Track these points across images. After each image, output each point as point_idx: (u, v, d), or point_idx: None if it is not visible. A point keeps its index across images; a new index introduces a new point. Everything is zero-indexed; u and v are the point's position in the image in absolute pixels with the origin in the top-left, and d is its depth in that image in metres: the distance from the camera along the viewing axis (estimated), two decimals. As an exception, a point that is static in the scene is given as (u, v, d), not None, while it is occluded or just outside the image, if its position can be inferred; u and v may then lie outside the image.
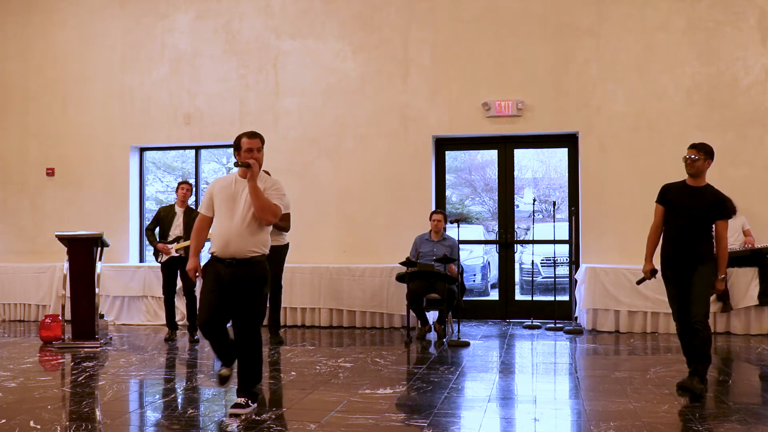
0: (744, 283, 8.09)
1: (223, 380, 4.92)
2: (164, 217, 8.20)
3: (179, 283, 8.30)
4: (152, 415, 4.78)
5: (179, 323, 8.76)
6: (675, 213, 5.26)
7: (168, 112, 10.02)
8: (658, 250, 5.42)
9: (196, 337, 8.17)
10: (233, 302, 4.68)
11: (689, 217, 5.19)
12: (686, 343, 5.29)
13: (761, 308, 8.09)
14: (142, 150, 10.42)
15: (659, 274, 5.44)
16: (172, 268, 8.15)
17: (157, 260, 8.27)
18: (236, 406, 4.68)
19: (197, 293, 8.43)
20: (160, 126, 10.04)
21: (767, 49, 8.69)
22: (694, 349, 5.16)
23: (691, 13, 8.83)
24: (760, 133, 8.67)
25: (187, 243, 8.04)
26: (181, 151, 11.77)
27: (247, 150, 4.71)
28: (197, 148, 10.31)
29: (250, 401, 4.74)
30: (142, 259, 10.26)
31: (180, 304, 8.88)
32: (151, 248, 8.50)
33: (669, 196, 5.34)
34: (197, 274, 4.79)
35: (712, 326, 8.09)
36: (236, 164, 4.73)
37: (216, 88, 9.89)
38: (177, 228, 8.14)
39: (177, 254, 8.07)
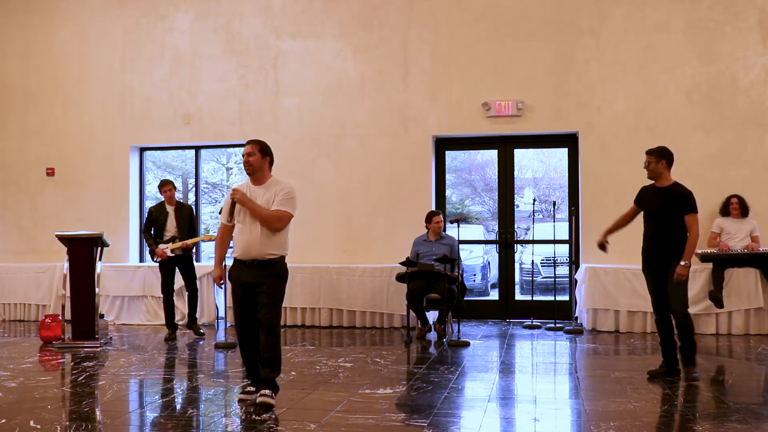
0: (745, 284, 8.08)
1: (261, 404, 4.84)
2: (157, 217, 8.23)
3: (179, 282, 8.32)
4: (152, 415, 4.78)
5: (179, 323, 8.77)
6: (647, 213, 5.74)
7: (168, 112, 10.01)
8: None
9: (201, 331, 8.20)
10: (256, 300, 4.90)
11: (658, 215, 5.64)
12: (663, 334, 5.70)
13: (761, 309, 8.08)
14: (142, 150, 10.42)
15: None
16: (170, 268, 8.18)
17: (153, 260, 8.28)
18: (264, 396, 4.81)
19: (198, 286, 8.51)
20: (160, 126, 10.04)
21: (767, 49, 8.68)
22: (681, 339, 5.58)
23: (691, 13, 8.82)
24: (760, 133, 8.66)
25: (181, 244, 8.07)
26: (181, 151, 11.77)
27: (242, 157, 5.01)
28: (197, 148, 10.31)
29: (273, 393, 4.87)
30: (142, 259, 10.26)
31: (179, 304, 8.89)
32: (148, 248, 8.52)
33: (643, 198, 5.82)
34: (222, 281, 5.08)
35: (713, 327, 8.17)
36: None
37: (216, 88, 9.89)
38: (171, 227, 8.18)
39: (172, 254, 8.09)
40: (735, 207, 8.33)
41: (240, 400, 4.96)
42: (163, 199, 8.32)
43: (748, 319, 8.13)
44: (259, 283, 4.87)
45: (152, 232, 8.25)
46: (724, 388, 5.55)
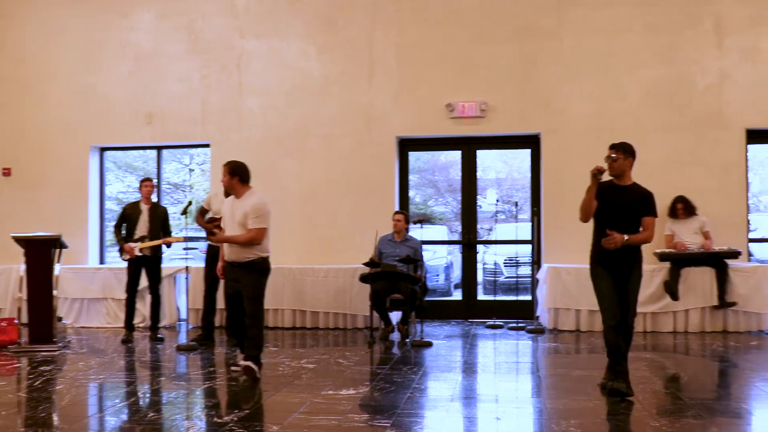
0: (701, 283, 8.28)
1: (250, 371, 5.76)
2: (130, 214, 8.13)
3: (143, 283, 8.21)
4: (112, 420, 4.70)
5: (140, 326, 8.67)
6: (607, 210, 5.25)
7: (129, 111, 9.86)
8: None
9: (159, 336, 8.09)
10: (241, 294, 5.76)
11: (620, 214, 5.20)
12: (622, 342, 5.21)
13: (715, 306, 8.28)
14: (103, 150, 10.25)
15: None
16: (137, 267, 8.06)
17: (121, 257, 8.16)
18: (248, 361, 5.70)
19: (162, 292, 8.44)
20: (120, 125, 9.88)
21: (722, 53, 8.88)
22: (623, 348, 5.15)
23: (650, 17, 8.98)
24: (716, 135, 8.86)
25: (151, 243, 7.96)
26: (142, 151, 11.60)
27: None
28: (159, 148, 10.18)
29: (254, 364, 5.69)
30: (102, 261, 10.09)
31: (141, 306, 8.77)
32: (113, 248, 8.39)
33: (603, 192, 5.27)
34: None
35: (671, 325, 8.37)
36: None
37: (178, 87, 9.77)
38: (143, 225, 8.07)
39: (140, 254, 7.98)
40: (681, 210, 8.54)
41: (245, 368, 5.69)
42: (139, 198, 8.24)
43: (704, 316, 8.33)
44: (241, 281, 5.74)
45: (123, 230, 8.15)
46: (680, 384, 5.67)
